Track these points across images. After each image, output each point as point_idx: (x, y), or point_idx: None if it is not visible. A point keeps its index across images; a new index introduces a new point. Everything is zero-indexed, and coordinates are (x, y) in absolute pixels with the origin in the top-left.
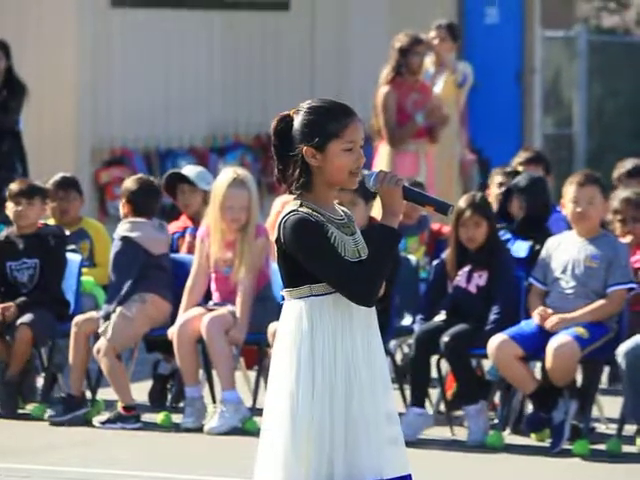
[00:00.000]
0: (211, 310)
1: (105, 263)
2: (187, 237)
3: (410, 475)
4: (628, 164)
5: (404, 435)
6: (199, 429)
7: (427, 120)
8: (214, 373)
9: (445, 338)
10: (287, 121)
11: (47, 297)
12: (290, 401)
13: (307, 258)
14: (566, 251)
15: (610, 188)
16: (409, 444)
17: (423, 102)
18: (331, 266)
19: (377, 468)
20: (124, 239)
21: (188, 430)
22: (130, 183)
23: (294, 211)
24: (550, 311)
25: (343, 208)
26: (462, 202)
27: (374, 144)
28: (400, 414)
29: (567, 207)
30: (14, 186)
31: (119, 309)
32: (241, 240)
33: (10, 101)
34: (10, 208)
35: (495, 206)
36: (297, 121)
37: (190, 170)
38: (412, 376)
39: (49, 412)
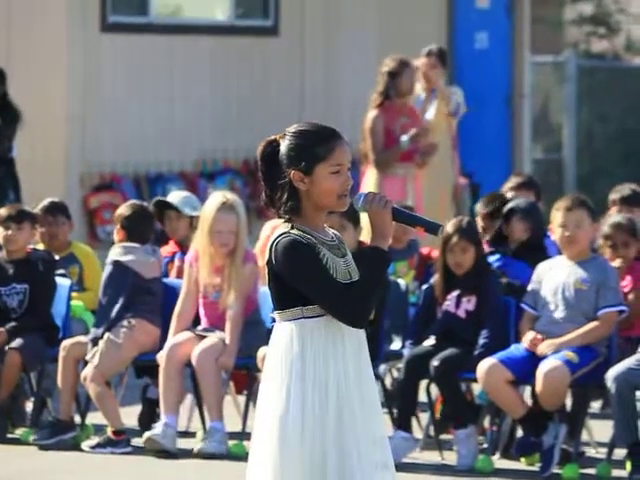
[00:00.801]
0: (200, 336)
1: (95, 288)
2: (176, 262)
3: None
4: (625, 190)
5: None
6: (183, 456)
7: (412, 143)
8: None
9: (435, 362)
10: (274, 146)
11: (36, 322)
12: (279, 425)
13: (299, 280)
14: (556, 275)
15: (600, 212)
16: (397, 468)
17: (411, 126)
18: (323, 288)
19: None
20: (115, 263)
21: (172, 456)
22: (124, 209)
23: (285, 233)
24: (540, 337)
25: (333, 230)
26: (449, 227)
27: (361, 168)
28: (390, 438)
29: (556, 232)
30: (3, 211)
31: (107, 335)
32: (229, 265)
33: (3, 128)
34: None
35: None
36: (284, 145)
37: (175, 196)
38: (399, 400)
39: (35, 436)
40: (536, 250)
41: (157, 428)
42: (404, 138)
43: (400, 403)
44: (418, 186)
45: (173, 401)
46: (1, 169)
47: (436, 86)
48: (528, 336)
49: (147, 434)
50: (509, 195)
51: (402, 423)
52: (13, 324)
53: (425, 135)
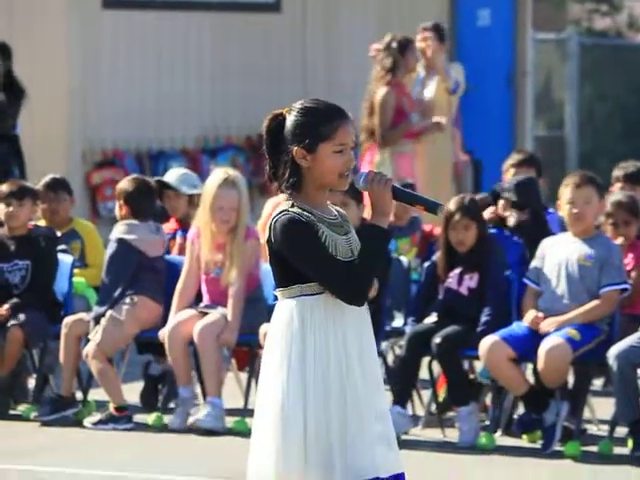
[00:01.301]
0: (202, 312)
1: (97, 264)
2: (177, 239)
3: (403, 474)
4: (630, 167)
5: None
6: (187, 430)
7: (422, 120)
8: None
9: (437, 340)
10: (279, 120)
11: (39, 298)
12: (281, 404)
13: (297, 258)
14: (560, 251)
15: (603, 189)
16: (403, 444)
17: (415, 103)
18: (321, 266)
19: (373, 467)
20: (119, 241)
21: (174, 431)
22: (126, 184)
23: (285, 211)
24: (542, 315)
25: (337, 208)
26: (452, 205)
27: (364, 145)
28: None
29: (563, 209)
30: (4, 187)
31: (109, 312)
32: (231, 242)
33: (8, 105)
34: (1, 209)
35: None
36: (289, 121)
37: (172, 175)
38: (400, 376)
39: (37, 412)
40: (537, 227)
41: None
42: (414, 117)
43: (400, 379)
44: (419, 162)
45: (186, 374)
46: (6, 146)
47: (433, 63)
48: (529, 315)
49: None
50: (512, 172)
51: (400, 399)
52: (15, 300)
53: (430, 113)
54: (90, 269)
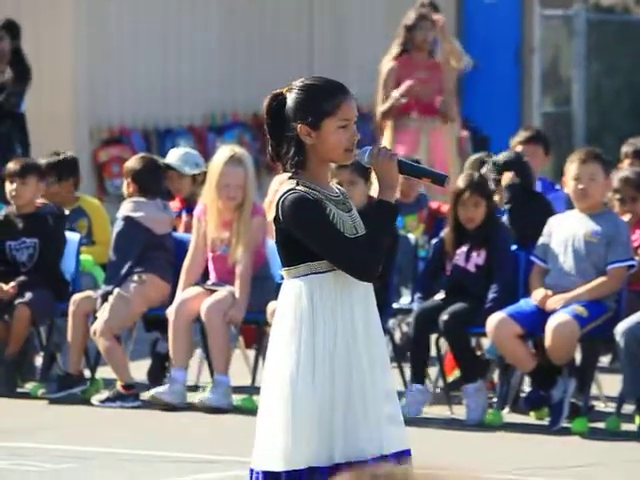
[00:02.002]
0: (209, 290)
1: (104, 241)
2: (183, 217)
3: (409, 450)
4: (639, 143)
5: (408, 414)
6: (190, 409)
7: (408, 97)
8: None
9: (444, 317)
10: (280, 99)
11: (46, 276)
12: (290, 381)
13: (306, 236)
14: (567, 228)
15: (611, 165)
16: (411, 422)
17: (430, 80)
18: (331, 242)
19: (377, 444)
20: (127, 219)
21: (180, 409)
22: (134, 162)
23: (291, 190)
24: (550, 293)
25: (337, 185)
26: (461, 182)
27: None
28: (399, 393)
29: (569, 185)
30: (10, 165)
31: (117, 290)
32: (237, 219)
33: (15, 83)
34: (6, 187)
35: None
36: (290, 99)
37: (173, 156)
38: (412, 354)
39: (44, 389)
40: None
41: (164, 385)
42: (394, 93)
43: (412, 357)
44: (436, 139)
45: (182, 356)
46: (9, 124)
47: (445, 37)
48: (538, 294)
49: (152, 391)
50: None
51: (417, 377)
52: (22, 278)
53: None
54: (97, 246)
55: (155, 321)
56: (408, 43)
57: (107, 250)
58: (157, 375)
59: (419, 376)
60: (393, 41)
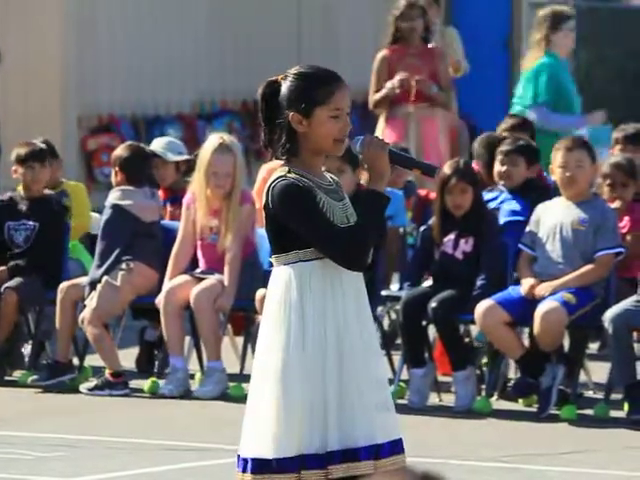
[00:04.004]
0: (198, 278)
1: (82, 213)
2: (168, 207)
3: (401, 439)
4: (630, 129)
5: (414, 403)
6: (179, 397)
7: (404, 87)
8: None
9: (433, 304)
10: (274, 86)
11: (40, 261)
12: (280, 368)
13: (296, 223)
14: (554, 215)
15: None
16: (398, 409)
17: (420, 68)
18: (321, 231)
19: (370, 434)
20: (115, 207)
21: (164, 397)
22: (121, 151)
23: (282, 177)
24: (537, 281)
25: (331, 174)
26: (447, 169)
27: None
28: (390, 380)
29: (556, 172)
30: (22, 149)
31: (105, 278)
32: (226, 207)
33: None
34: (21, 172)
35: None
36: (284, 87)
37: (157, 144)
38: (404, 340)
39: (33, 377)
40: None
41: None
42: (388, 85)
43: (407, 343)
44: (430, 127)
45: (178, 343)
46: None
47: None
48: (525, 284)
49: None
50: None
51: (415, 361)
52: (13, 263)
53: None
54: (76, 218)
55: (143, 309)
56: (398, 32)
57: (85, 223)
58: (145, 363)
59: (418, 360)
60: (383, 29)
